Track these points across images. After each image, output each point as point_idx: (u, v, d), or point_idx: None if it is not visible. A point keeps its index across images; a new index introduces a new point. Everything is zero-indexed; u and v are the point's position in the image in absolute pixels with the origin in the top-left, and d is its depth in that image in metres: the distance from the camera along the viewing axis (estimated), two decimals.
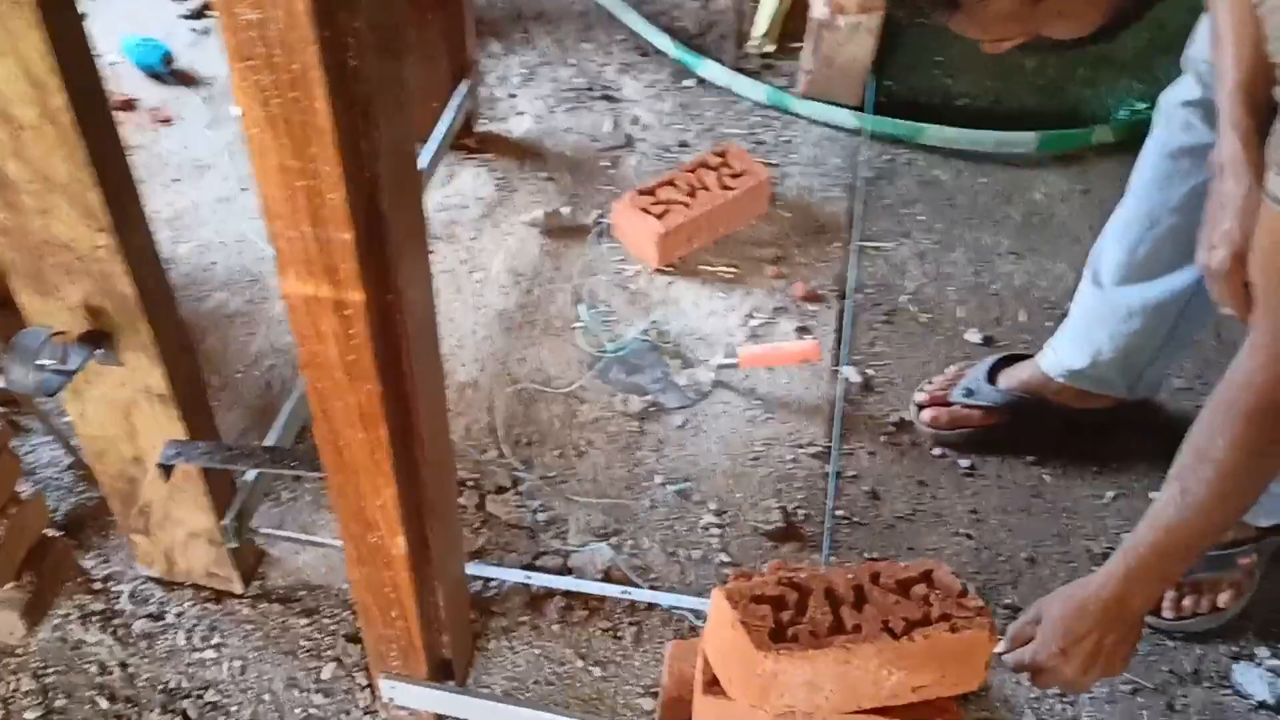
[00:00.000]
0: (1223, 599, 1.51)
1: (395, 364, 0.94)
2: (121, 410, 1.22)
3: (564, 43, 2.50)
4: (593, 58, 2.47)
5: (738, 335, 1.88)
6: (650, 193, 2.01)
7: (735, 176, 2.04)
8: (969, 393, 1.72)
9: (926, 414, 1.73)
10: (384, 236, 0.85)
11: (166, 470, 1.17)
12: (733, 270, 2.00)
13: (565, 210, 2.09)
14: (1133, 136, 2.23)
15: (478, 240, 2.05)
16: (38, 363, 1.06)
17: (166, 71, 2.34)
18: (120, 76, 2.33)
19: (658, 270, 1.99)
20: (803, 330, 1.89)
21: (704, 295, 1.95)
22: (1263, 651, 1.49)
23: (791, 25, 2.51)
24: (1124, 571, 1.13)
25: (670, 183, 2.03)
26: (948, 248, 2.05)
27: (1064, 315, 1.90)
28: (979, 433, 1.71)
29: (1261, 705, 1.44)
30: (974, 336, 1.89)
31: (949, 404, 1.73)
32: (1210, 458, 1.03)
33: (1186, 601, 1.51)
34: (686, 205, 1.98)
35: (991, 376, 1.72)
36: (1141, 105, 2.24)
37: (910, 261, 2.03)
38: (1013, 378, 1.72)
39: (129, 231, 1.05)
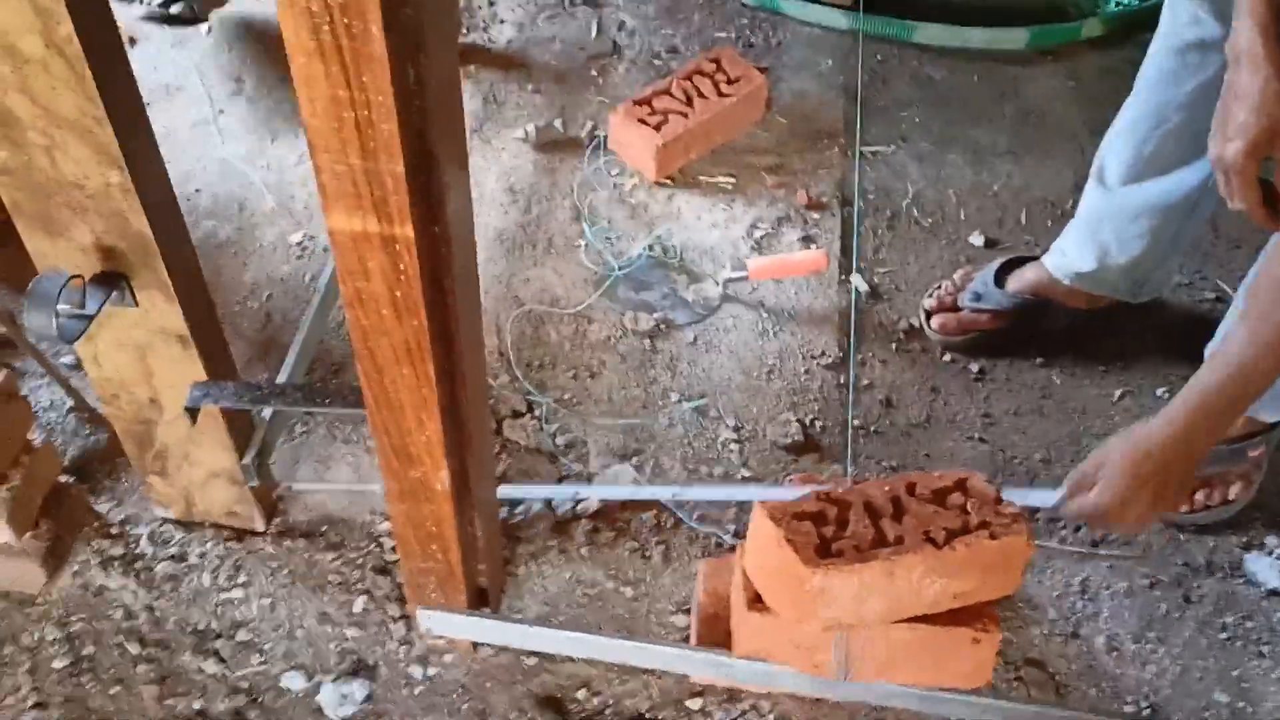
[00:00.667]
0: (1234, 491, 1.54)
1: (441, 299, 0.91)
2: (137, 352, 1.18)
3: None
4: None
5: (742, 247, 1.86)
6: (646, 103, 1.96)
7: (731, 83, 1.99)
8: (977, 297, 1.71)
9: (935, 320, 1.73)
10: (432, 169, 0.81)
11: (193, 414, 1.14)
12: (733, 180, 1.96)
13: (557, 123, 2.03)
14: (1122, 28, 2.21)
15: (470, 158, 1.99)
16: (57, 308, 1.01)
17: None
18: None
19: (657, 182, 1.95)
20: (807, 240, 1.87)
21: (705, 207, 1.92)
22: (1272, 540, 1.53)
23: None
24: (1188, 413, 1.13)
25: (666, 91, 1.98)
26: (945, 149, 2.03)
27: (1064, 214, 1.90)
28: (988, 336, 1.71)
29: (1273, 592, 1.48)
30: (977, 239, 1.88)
31: (957, 309, 1.72)
32: (1261, 300, 1.06)
33: (1199, 495, 1.53)
34: (684, 115, 1.94)
35: (999, 279, 1.72)
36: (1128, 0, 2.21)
37: (910, 164, 2.00)
38: (1020, 280, 1.71)
39: (142, 167, 1.00)
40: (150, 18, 2.17)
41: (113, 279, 1.09)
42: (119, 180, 1.00)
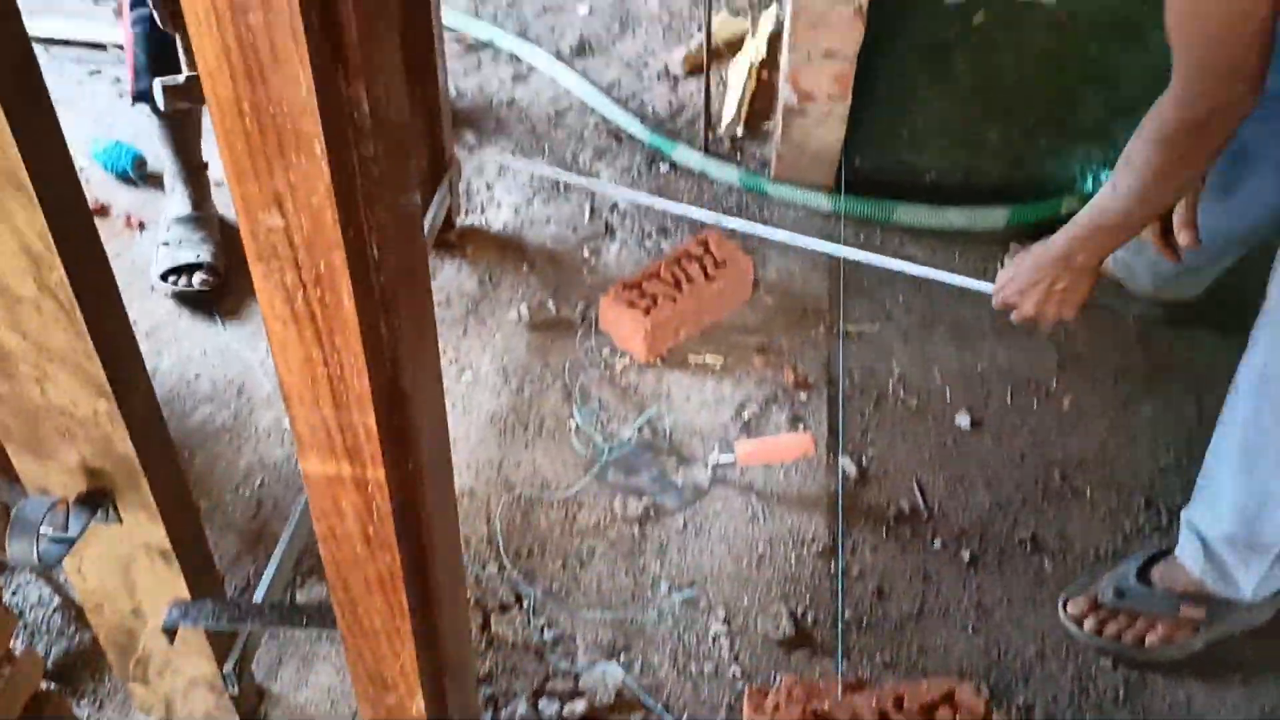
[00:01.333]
0: (1151, 637, 1.55)
1: (415, 533, 0.92)
2: (120, 566, 1.19)
3: (537, 130, 2.50)
4: (567, 145, 2.47)
5: (732, 429, 1.87)
6: (635, 286, 2.01)
7: (718, 265, 2.05)
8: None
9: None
10: (405, 415, 0.83)
11: (171, 633, 1.14)
12: (721, 360, 1.99)
13: (550, 304, 2.08)
14: None
15: (464, 339, 2.03)
16: (39, 532, 1.02)
17: (138, 175, 2.31)
18: (91, 182, 2.30)
19: (647, 363, 1.98)
20: (795, 420, 1.88)
21: (695, 387, 1.94)
22: None
23: (759, 104, 2.54)
24: (1068, 236, 1.50)
25: (655, 274, 2.03)
26: (929, 328, 2.06)
27: (1049, 394, 1.92)
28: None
29: None
30: (963, 420, 1.89)
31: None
32: (1135, 165, 1.36)
33: (1111, 626, 1.56)
34: (673, 298, 1.98)
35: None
36: (1106, 173, 2.27)
37: (894, 343, 2.03)
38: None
39: (129, 394, 1.03)
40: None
41: (98, 498, 1.10)
42: (106, 408, 1.02)
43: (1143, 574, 1.61)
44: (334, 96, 0.65)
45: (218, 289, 2.05)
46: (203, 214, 2.11)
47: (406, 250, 0.78)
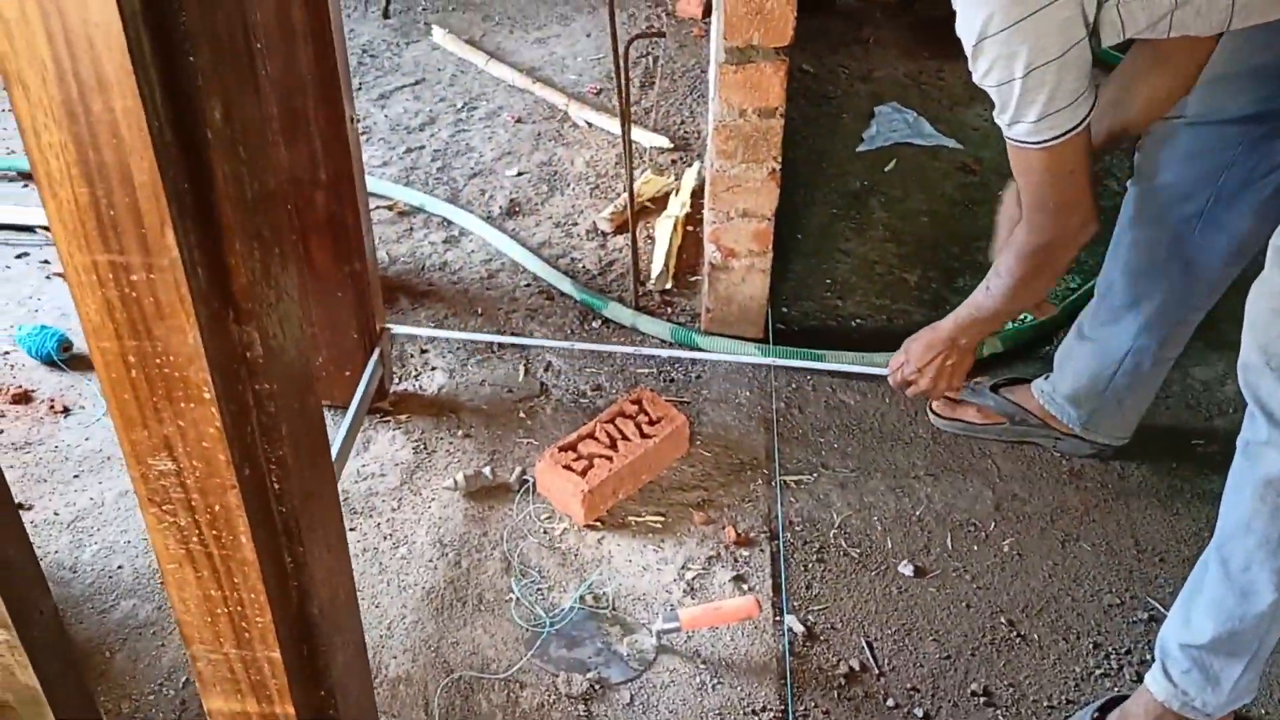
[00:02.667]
0: None
1: None
2: None
3: (470, 293, 2.52)
4: (499, 305, 2.48)
5: (675, 591, 1.84)
6: (571, 448, 1.99)
7: (653, 423, 2.04)
8: None
9: None
10: (314, 641, 0.80)
11: None
12: (661, 519, 1.97)
13: (486, 470, 2.05)
14: (1020, 346, 2.32)
15: (399, 511, 1.99)
16: None
17: (63, 359, 2.28)
18: (14, 367, 2.26)
19: (587, 526, 1.95)
20: (739, 579, 1.86)
21: (635, 549, 1.91)
22: None
23: (686, 257, 2.58)
24: (954, 322, 1.79)
25: (590, 435, 2.02)
26: (866, 475, 2.06)
27: (988, 537, 1.92)
28: None
29: None
30: (907, 569, 1.88)
31: None
32: (1000, 273, 1.65)
33: None
34: (608, 458, 1.97)
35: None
36: (1024, 314, 2.32)
37: (833, 492, 2.03)
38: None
39: (30, 623, 0.98)
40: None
41: None
42: (5, 638, 0.97)
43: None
44: (224, 342, 0.64)
45: None
46: None
47: (311, 475, 0.76)
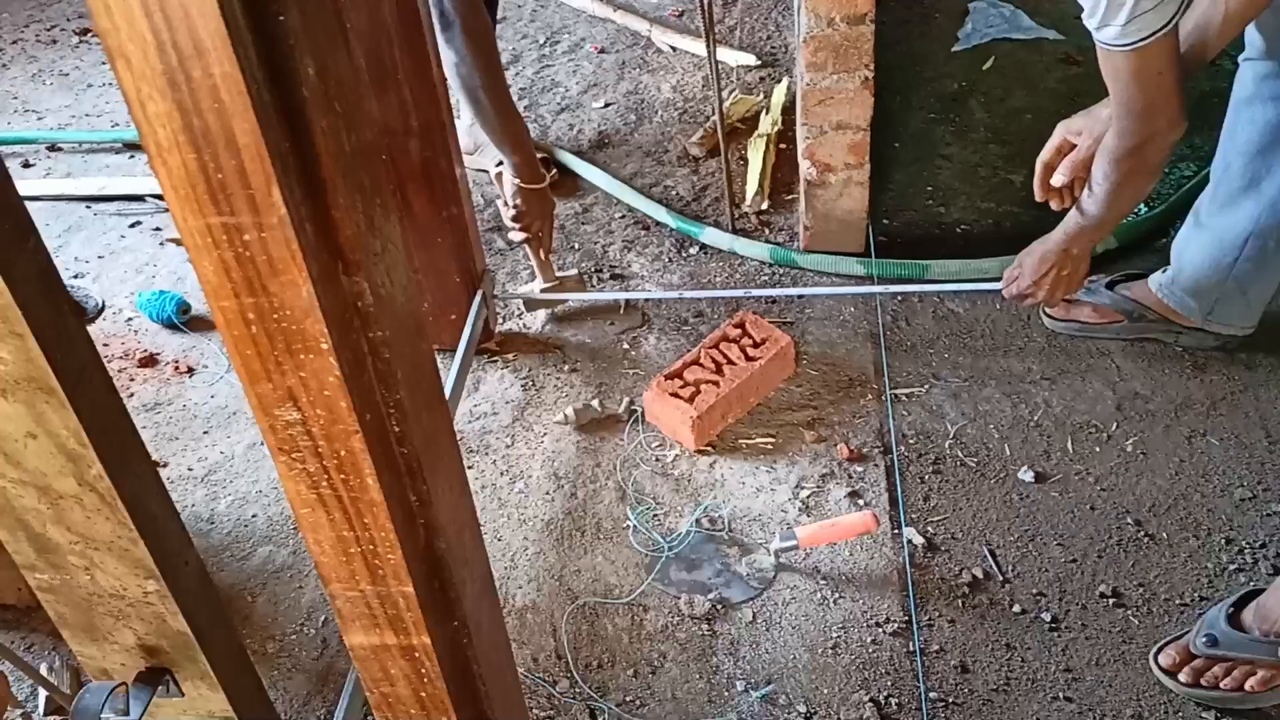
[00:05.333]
0: (1252, 682, 1.49)
1: (471, 691, 0.91)
2: None
3: (566, 227, 2.53)
4: (596, 239, 2.49)
5: (790, 510, 1.85)
6: (677, 375, 2.00)
7: (757, 345, 2.04)
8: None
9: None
10: (444, 576, 0.83)
11: None
12: (772, 440, 1.97)
13: (594, 403, 2.08)
14: (1136, 239, 2.23)
15: (513, 447, 2.04)
16: (102, 718, 1.03)
17: (183, 321, 2.37)
18: (138, 332, 2.36)
19: (698, 451, 1.96)
20: (854, 495, 1.85)
21: (749, 471, 1.92)
22: None
23: (781, 175, 2.54)
24: (1063, 233, 1.77)
25: (696, 362, 2.02)
26: (979, 383, 2.03)
27: (1110, 438, 1.87)
28: None
29: None
30: (1026, 475, 1.85)
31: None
32: (1098, 179, 1.64)
33: (1207, 677, 1.52)
34: (715, 383, 1.97)
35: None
36: (1140, 208, 2.24)
37: (946, 403, 2.00)
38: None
39: (177, 572, 1.04)
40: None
41: (157, 674, 1.11)
42: (156, 588, 1.03)
43: (1233, 618, 1.55)
44: (336, 294, 0.65)
45: None
46: None
47: (428, 417, 0.78)
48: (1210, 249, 1.86)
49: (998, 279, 1.93)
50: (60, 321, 0.89)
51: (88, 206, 2.68)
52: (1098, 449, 1.88)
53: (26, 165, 2.83)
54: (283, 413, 0.69)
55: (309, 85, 0.59)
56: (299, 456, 0.71)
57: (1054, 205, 1.83)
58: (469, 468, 1.99)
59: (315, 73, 0.60)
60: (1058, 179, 1.77)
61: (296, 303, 0.63)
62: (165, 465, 2.06)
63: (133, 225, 2.67)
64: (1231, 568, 1.69)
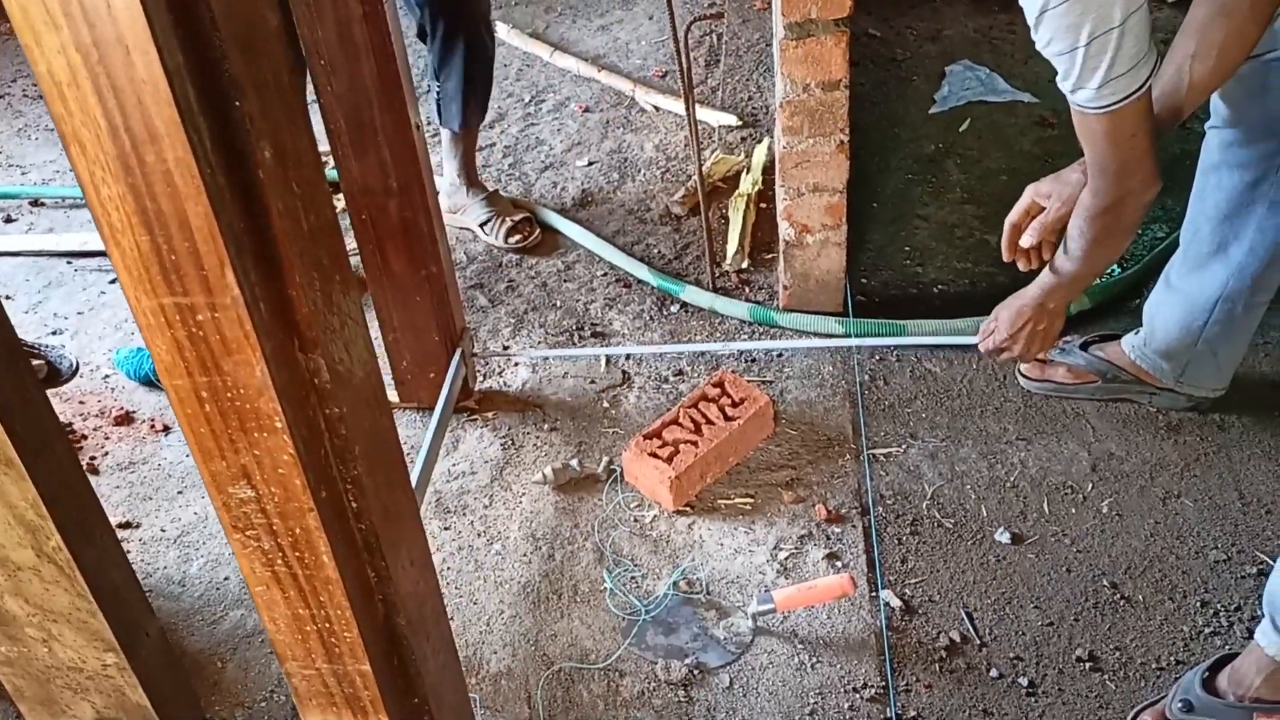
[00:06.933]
0: None
1: None
2: None
3: (548, 285, 2.54)
4: (578, 296, 2.50)
5: (768, 572, 1.84)
6: (656, 435, 2.00)
7: (736, 405, 2.04)
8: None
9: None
10: (403, 652, 0.82)
11: None
12: (750, 500, 1.96)
13: (574, 462, 2.07)
14: (1108, 300, 2.25)
15: (491, 508, 2.03)
16: None
17: (159, 379, 2.35)
18: (115, 389, 2.35)
19: (676, 511, 1.95)
20: (832, 557, 1.85)
21: (726, 532, 1.92)
22: None
23: (761, 234, 2.56)
24: (1040, 288, 1.75)
25: (674, 421, 2.02)
26: (956, 443, 2.03)
27: (1085, 500, 1.88)
28: None
29: None
30: (1003, 536, 1.85)
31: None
32: (1074, 236, 1.64)
33: None
34: (694, 443, 1.97)
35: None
36: (1111, 267, 2.26)
37: (923, 463, 2.00)
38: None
39: (138, 644, 1.03)
40: None
41: None
42: (115, 660, 1.02)
43: (1208, 683, 1.54)
44: (291, 371, 0.65)
45: None
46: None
47: (388, 491, 0.78)
48: (1181, 312, 1.88)
49: (973, 334, 1.94)
50: (23, 393, 0.89)
51: (68, 262, 2.69)
52: (1073, 510, 1.88)
53: (8, 220, 2.83)
54: (236, 490, 0.68)
55: (265, 168, 0.60)
56: (253, 534, 0.71)
57: (1021, 266, 1.83)
58: (446, 528, 1.98)
59: (272, 156, 0.60)
60: (1026, 240, 1.77)
61: (250, 381, 0.63)
62: (138, 525, 2.05)
63: (113, 281, 2.66)
64: (1207, 630, 1.68)
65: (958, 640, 1.70)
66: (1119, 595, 1.75)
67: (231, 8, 0.56)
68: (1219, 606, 1.71)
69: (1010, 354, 1.87)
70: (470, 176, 2.65)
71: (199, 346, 0.62)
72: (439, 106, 2.50)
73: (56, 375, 2.18)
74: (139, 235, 0.57)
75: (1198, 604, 1.72)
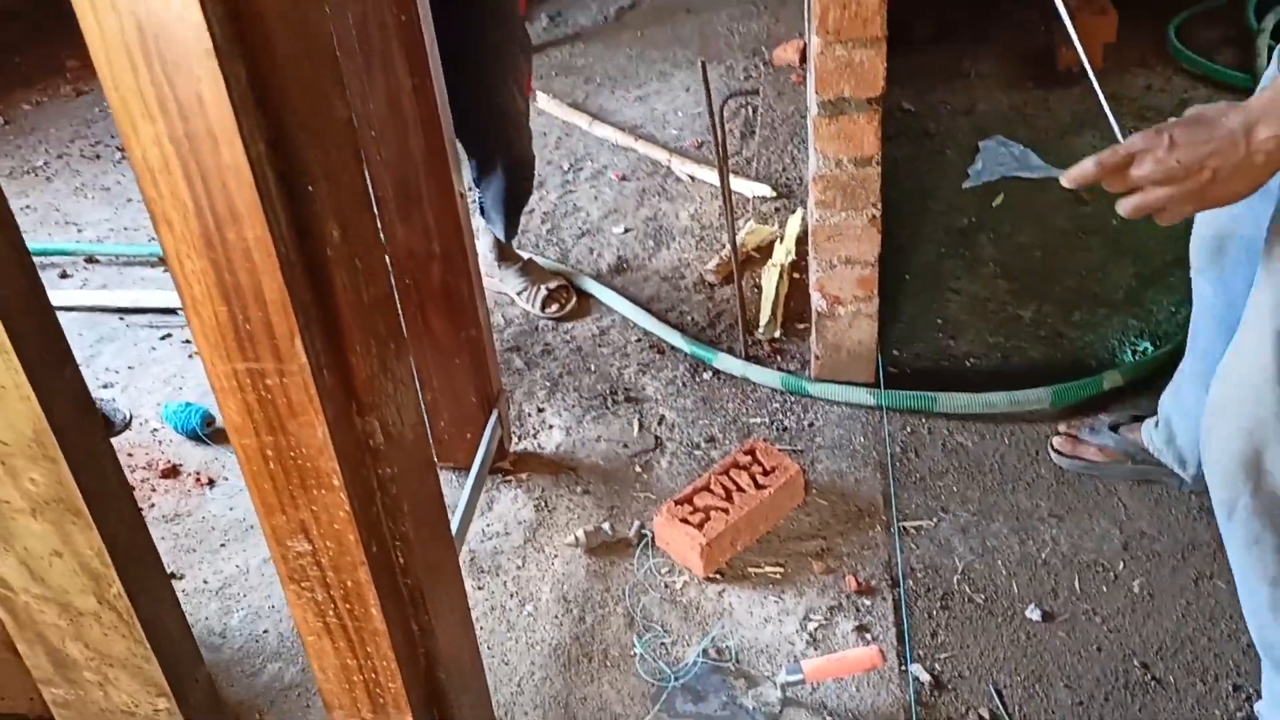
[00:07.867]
0: None
1: None
2: None
3: (582, 350, 2.58)
4: (612, 361, 2.54)
5: (798, 643, 1.85)
6: (687, 501, 2.03)
7: (767, 473, 2.06)
8: None
9: None
10: (445, 705, 0.85)
11: None
12: (780, 569, 1.98)
13: (605, 525, 2.10)
14: (1142, 376, 2.26)
15: (524, 569, 2.05)
16: None
17: (207, 433, 2.42)
18: (162, 443, 2.42)
19: (707, 578, 1.97)
20: (861, 629, 1.85)
21: (756, 600, 1.93)
22: None
23: (794, 304, 2.60)
24: (1259, 100, 1.16)
25: (705, 488, 2.05)
26: (987, 518, 2.04)
27: (1117, 578, 1.87)
28: None
29: None
30: (1034, 613, 1.85)
31: None
32: None
33: None
34: (725, 510, 1.99)
35: None
36: (1144, 345, 2.27)
37: (954, 537, 2.01)
38: None
39: (187, 690, 1.06)
40: None
41: None
42: (166, 705, 1.06)
43: None
44: (349, 433, 0.70)
45: None
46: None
47: (433, 548, 0.82)
48: (1189, 420, 1.86)
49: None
50: (91, 445, 0.94)
51: (120, 318, 2.77)
52: (1105, 589, 1.88)
53: (64, 275, 2.93)
54: (294, 544, 0.72)
55: (333, 245, 0.65)
56: (308, 586, 0.75)
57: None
58: (479, 588, 2.01)
59: (339, 234, 0.65)
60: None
61: (312, 442, 0.67)
62: (181, 577, 2.09)
63: (164, 337, 2.74)
64: (1239, 716, 1.67)
65: (987, 717, 1.70)
66: (1150, 676, 1.74)
67: (307, 102, 0.61)
68: (1251, 690, 1.70)
69: (1146, 198, 1.25)
70: (502, 251, 2.71)
71: (267, 409, 0.66)
72: (481, 207, 2.58)
73: (110, 427, 2.25)
74: (218, 306, 0.62)
75: (1230, 688, 1.71)
